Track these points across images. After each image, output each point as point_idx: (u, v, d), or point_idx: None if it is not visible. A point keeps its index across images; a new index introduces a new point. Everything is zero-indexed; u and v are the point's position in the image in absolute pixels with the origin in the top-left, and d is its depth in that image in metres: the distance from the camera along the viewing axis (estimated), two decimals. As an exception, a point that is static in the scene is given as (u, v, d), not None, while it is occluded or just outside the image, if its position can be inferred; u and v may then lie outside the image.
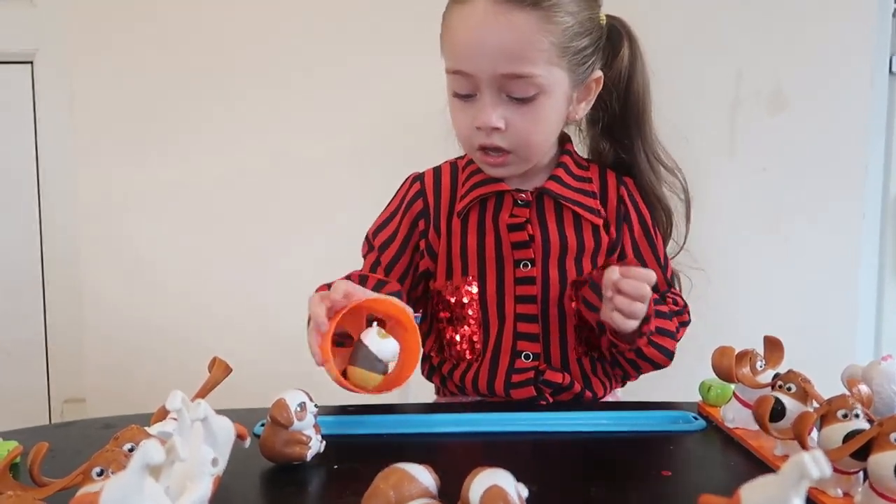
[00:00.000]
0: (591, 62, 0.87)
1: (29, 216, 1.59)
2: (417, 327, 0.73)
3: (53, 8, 1.53)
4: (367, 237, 0.97)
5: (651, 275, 0.78)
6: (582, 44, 0.84)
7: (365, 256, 0.96)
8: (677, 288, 1.00)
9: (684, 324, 0.96)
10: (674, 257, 1.00)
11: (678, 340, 0.92)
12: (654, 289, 0.81)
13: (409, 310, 0.74)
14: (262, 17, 1.40)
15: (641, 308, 0.78)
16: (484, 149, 0.87)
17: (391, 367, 0.72)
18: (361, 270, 0.94)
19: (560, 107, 0.87)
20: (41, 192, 1.59)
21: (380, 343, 0.70)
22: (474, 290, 0.91)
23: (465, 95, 0.85)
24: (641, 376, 0.95)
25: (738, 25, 1.37)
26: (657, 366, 0.90)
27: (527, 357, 0.89)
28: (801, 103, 1.38)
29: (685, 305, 0.97)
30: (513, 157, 0.87)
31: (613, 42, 0.92)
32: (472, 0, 0.81)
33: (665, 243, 0.98)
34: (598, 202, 0.92)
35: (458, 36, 0.83)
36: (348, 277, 0.89)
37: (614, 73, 0.92)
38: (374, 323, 0.72)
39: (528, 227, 0.90)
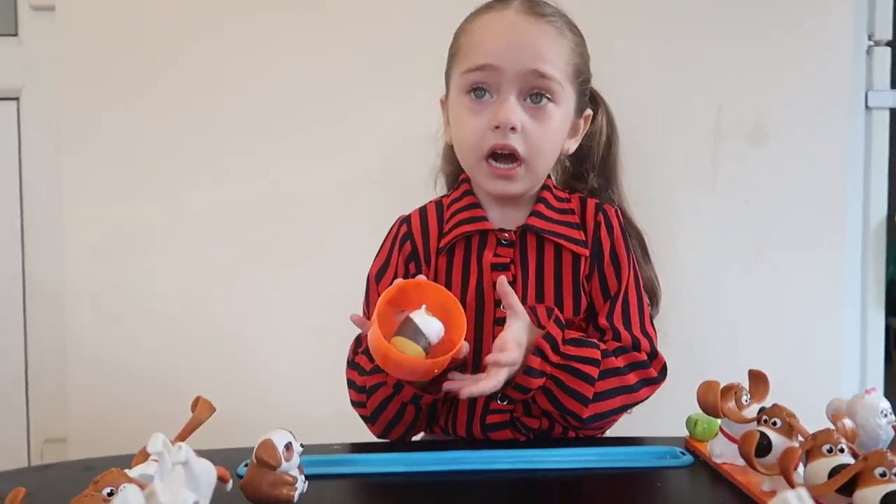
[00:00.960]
0: (587, 97, 0.95)
1: (12, 253, 1.57)
2: (464, 315, 0.79)
3: (40, 44, 1.54)
4: (368, 279, 0.96)
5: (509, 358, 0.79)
6: (585, 75, 0.94)
7: (369, 300, 0.96)
8: (652, 335, 0.91)
9: (648, 380, 0.87)
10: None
11: (614, 394, 0.85)
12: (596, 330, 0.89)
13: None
14: (253, 55, 1.41)
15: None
16: (493, 156, 0.88)
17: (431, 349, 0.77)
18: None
19: (565, 126, 0.92)
20: (24, 229, 1.57)
21: (426, 319, 0.76)
22: None
23: (480, 96, 0.88)
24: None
25: (719, 60, 1.40)
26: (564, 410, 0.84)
27: (502, 399, 0.87)
28: (782, 137, 1.40)
29: (646, 358, 0.88)
30: (522, 168, 0.88)
31: (592, 103, 0.99)
32: (500, 10, 0.89)
33: (645, 273, 0.98)
34: (583, 233, 0.92)
35: (488, 33, 0.89)
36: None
37: (596, 129, 1.00)
38: (424, 306, 0.78)
39: (512, 268, 0.91)
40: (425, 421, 0.91)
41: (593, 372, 0.83)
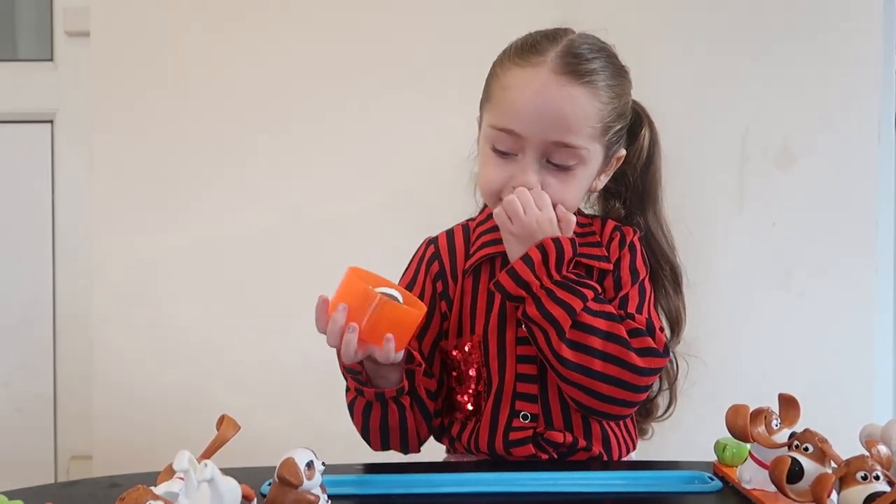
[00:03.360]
0: (621, 142, 0.93)
1: (43, 274, 1.61)
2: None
3: (75, 69, 1.58)
4: None
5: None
6: (619, 125, 0.91)
7: None
8: (654, 319, 0.91)
9: (647, 350, 0.84)
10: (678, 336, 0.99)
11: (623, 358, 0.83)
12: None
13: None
14: (281, 78, 1.43)
15: (523, 211, 0.83)
16: None
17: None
18: None
19: (591, 178, 0.91)
20: (56, 249, 1.61)
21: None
22: (478, 349, 0.91)
23: (503, 153, 0.88)
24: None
25: (745, 84, 1.39)
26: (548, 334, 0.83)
27: (524, 417, 0.89)
28: (809, 159, 1.39)
29: (644, 328, 0.86)
30: None
31: (634, 123, 0.96)
32: (535, 66, 0.86)
33: (672, 303, 0.98)
34: (604, 249, 0.93)
35: (516, 96, 0.86)
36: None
37: (636, 150, 0.97)
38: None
39: None
40: (423, 422, 0.91)
41: (588, 293, 0.85)
